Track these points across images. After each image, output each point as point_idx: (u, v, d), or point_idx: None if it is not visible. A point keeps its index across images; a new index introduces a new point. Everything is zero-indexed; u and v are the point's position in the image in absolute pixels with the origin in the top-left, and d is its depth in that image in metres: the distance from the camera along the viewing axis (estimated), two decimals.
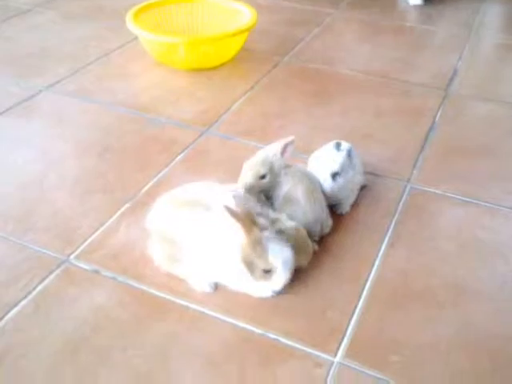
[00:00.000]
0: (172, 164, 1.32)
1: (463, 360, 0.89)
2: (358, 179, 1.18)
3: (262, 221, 0.95)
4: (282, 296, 0.98)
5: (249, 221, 0.90)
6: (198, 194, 1.00)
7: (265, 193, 1.10)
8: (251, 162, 1.10)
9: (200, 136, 1.43)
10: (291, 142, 1.11)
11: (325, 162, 1.14)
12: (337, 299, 0.99)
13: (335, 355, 0.89)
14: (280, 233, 0.98)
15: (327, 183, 1.12)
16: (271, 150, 1.11)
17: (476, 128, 1.51)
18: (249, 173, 1.08)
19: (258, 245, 0.90)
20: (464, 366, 0.88)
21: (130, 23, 1.70)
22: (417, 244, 1.12)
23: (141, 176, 1.27)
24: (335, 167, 1.12)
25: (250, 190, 1.07)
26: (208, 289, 0.98)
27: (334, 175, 1.12)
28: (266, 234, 0.93)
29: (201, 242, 0.94)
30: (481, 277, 1.04)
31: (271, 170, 1.09)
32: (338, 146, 1.16)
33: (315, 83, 1.72)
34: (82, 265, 1.04)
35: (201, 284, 0.98)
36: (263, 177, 1.08)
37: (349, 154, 1.14)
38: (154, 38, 1.66)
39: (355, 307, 0.97)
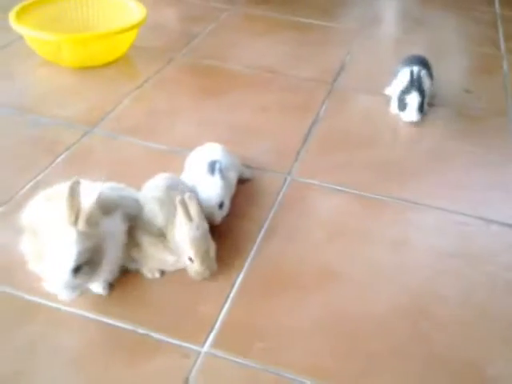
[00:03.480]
0: (53, 165, 1.30)
1: (323, 341, 0.95)
2: (233, 177, 1.21)
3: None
4: (154, 291, 1.01)
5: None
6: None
7: None
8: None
9: (84, 135, 1.41)
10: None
11: (206, 195, 1.11)
12: (209, 292, 1.02)
13: (203, 346, 0.92)
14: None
15: (217, 214, 1.12)
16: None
17: (357, 120, 1.59)
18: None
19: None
20: (323, 347, 0.94)
21: (12, 21, 1.65)
22: (292, 234, 1.17)
23: (18, 179, 1.24)
24: (219, 198, 1.12)
25: None
26: (70, 298, 0.95)
27: (221, 205, 1.13)
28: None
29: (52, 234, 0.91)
30: (347, 262, 1.11)
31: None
32: (211, 169, 1.13)
33: (207, 80, 1.74)
34: None
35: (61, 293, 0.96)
36: None
37: (220, 170, 1.13)
38: (37, 36, 1.62)
39: (227, 298, 1.01)
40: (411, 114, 1.55)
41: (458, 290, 1.07)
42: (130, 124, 1.48)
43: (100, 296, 0.99)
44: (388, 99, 1.64)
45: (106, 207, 0.97)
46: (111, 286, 1.01)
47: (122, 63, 1.78)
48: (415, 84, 1.54)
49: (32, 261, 1.00)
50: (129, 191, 1.09)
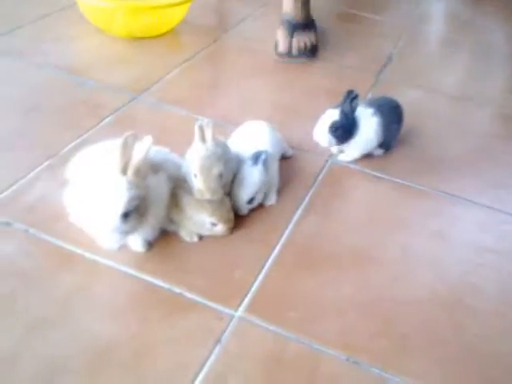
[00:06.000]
0: (98, 127, 1.32)
1: (357, 318, 0.94)
2: (275, 158, 1.21)
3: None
4: (192, 254, 1.01)
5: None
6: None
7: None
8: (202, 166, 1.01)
9: (130, 102, 1.43)
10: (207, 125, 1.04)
11: (240, 188, 1.09)
12: (246, 259, 1.02)
13: (236, 310, 0.92)
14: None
15: (243, 208, 1.10)
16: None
17: None
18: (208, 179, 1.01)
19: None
20: (357, 324, 0.93)
21: None
22: (329, 214, 1.16)
23: (65, 136, 1.26)
24: (250, 195, 1.09)
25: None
26: (115, 246, 0.98)
27: (250, 201, 1.10)
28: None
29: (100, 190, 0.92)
30: (383, 247, 1.10)
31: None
32: (255, 159, 1.11)
33: (253, 60, 1.75)
34: None
35: (108, 240, 0.98)
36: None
37: (264, 161, 1.10)
38: (90, 2, 1.64)
39: (262, 267, 1.01)
40: (317, 131, 1.23)
41: (495, 284, 1.05)
42: (174, 95, 1.49)
43: (138, 253, 1.00)
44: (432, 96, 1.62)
45: (152, 167, 0.98)
46: (150, 245, 1.02)
47: (171, 37, 1.80)
48: (345, 107, 1.23)
49: (74, 213, 1.01)
50: (173, 156, 1.10)
